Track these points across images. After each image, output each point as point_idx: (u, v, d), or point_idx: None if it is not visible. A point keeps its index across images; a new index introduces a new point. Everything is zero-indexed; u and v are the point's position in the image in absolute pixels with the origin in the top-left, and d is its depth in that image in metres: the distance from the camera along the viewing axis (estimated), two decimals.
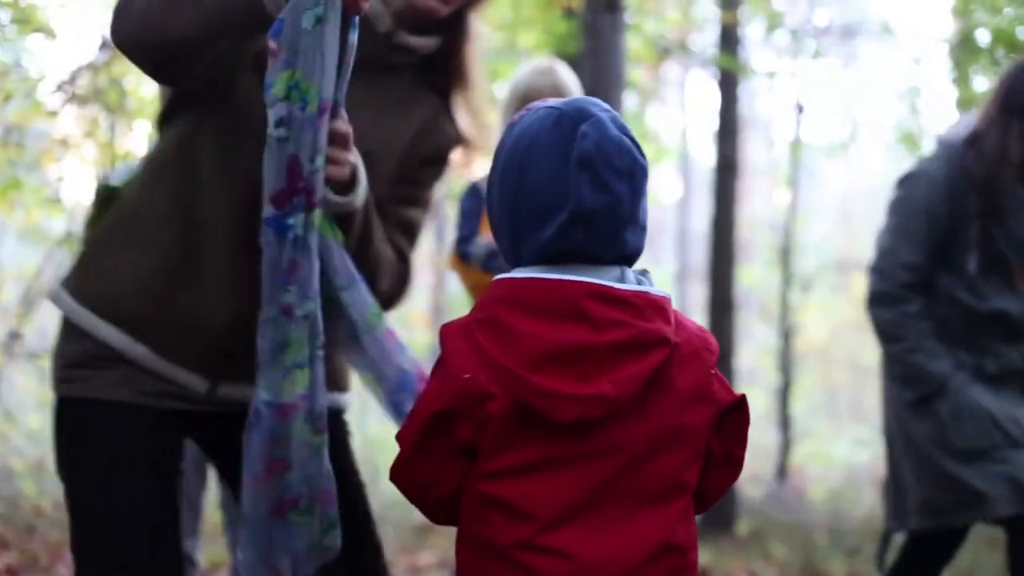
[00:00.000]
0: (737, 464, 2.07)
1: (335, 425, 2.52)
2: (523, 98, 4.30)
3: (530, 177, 1.93)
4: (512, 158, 1.96)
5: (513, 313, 1.89)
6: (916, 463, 3.96)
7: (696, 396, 1.97)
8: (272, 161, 2.21)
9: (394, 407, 2.47)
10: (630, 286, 1.93)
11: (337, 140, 2.29)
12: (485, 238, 4.33)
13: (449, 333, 1.93)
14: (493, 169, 2.02)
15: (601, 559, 1.89)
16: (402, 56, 2.57)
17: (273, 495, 2.32)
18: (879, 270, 4.00)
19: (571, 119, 1.93)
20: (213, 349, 2.40)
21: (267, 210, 2.23)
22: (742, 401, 2.02)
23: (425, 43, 2.59)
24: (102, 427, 2.37)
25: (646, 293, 1.93)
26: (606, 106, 1.97)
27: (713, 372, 1.98)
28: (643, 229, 1.99)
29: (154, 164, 2.47)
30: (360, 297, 2.41)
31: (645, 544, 1.92)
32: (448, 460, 1.94)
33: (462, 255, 4.44)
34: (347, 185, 2.37)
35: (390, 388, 2.47)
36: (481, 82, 2.65)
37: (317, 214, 2.27)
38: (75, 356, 2.41)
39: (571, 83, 4.38)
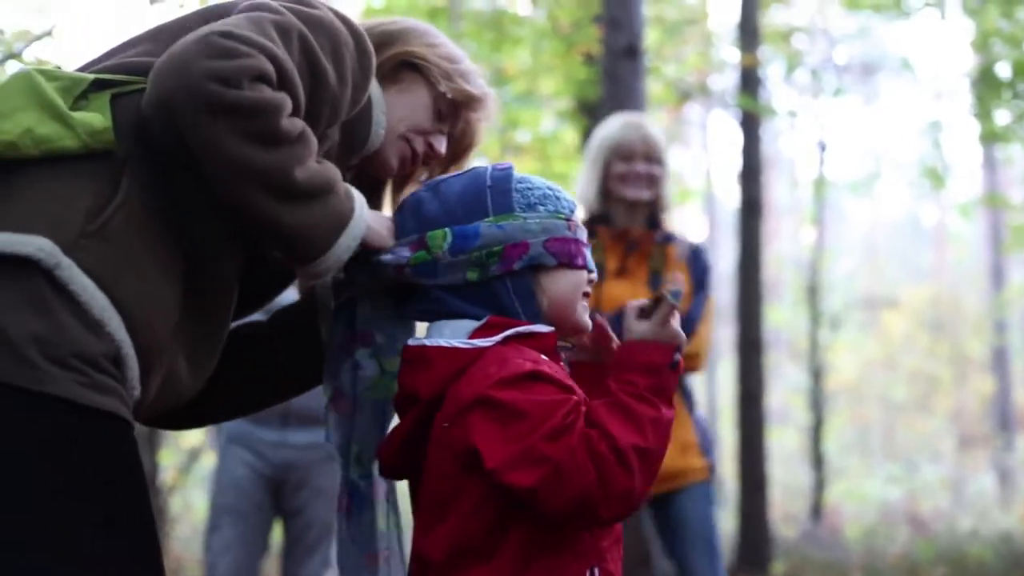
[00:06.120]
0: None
1: None
2: (614, 150, 4.38)
3: None
4: None
5: None
6: None
7: (436, 446, 2.01)
8: None
9: None
10: (415, 342, 2.06)
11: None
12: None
13: None
14: None
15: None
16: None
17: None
18: None
19: None
20: None
21: None
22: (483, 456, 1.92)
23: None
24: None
25: (421, 348, 2.03)
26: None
27: (446, 425, 1.97)
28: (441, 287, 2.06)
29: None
30: None
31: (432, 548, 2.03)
32: None
33: None
34: None
35: None
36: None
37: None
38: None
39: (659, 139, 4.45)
